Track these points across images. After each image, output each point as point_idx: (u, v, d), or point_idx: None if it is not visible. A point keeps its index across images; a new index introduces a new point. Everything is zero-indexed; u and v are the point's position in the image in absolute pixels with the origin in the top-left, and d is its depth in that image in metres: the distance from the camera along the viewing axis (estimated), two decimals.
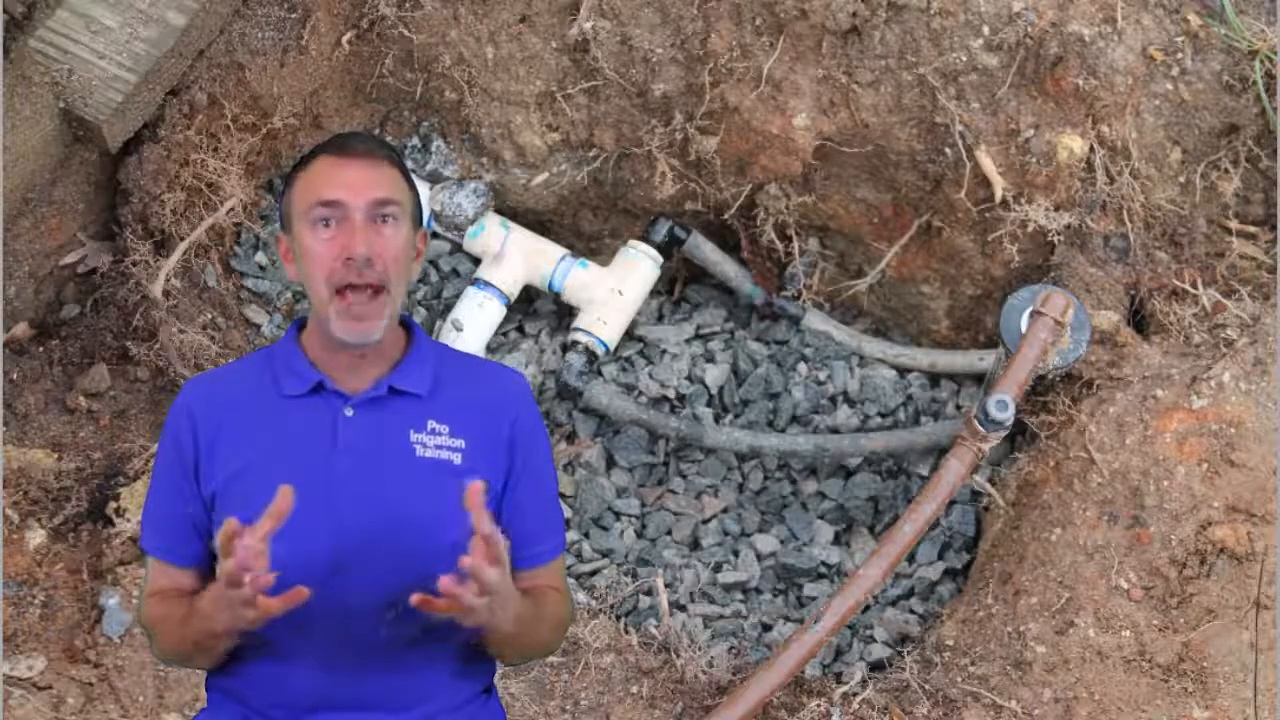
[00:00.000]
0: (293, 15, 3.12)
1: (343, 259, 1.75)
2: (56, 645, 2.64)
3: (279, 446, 1.79)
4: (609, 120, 3.25)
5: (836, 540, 3.26)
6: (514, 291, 3.36)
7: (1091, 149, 3.07)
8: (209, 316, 3.05)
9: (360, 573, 1.77)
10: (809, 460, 3.30)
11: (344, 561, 1.76)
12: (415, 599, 1.62)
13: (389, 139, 3.35)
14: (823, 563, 3.19)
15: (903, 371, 3.45)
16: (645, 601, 3.09)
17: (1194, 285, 3.09)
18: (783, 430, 3.34)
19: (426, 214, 3.33)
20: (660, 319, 3.55)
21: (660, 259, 3.40)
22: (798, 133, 3.16)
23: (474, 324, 3.29)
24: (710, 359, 3.44)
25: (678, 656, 2.81)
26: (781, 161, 3.22)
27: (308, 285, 1.80)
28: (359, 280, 1.75)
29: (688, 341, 3.46)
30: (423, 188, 3.33)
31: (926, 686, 2.74)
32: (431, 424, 1.82)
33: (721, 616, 3.10)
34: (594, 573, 3.15)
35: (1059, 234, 3.09)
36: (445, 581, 1.60)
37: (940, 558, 3.19)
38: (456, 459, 1.81)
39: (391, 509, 1.77)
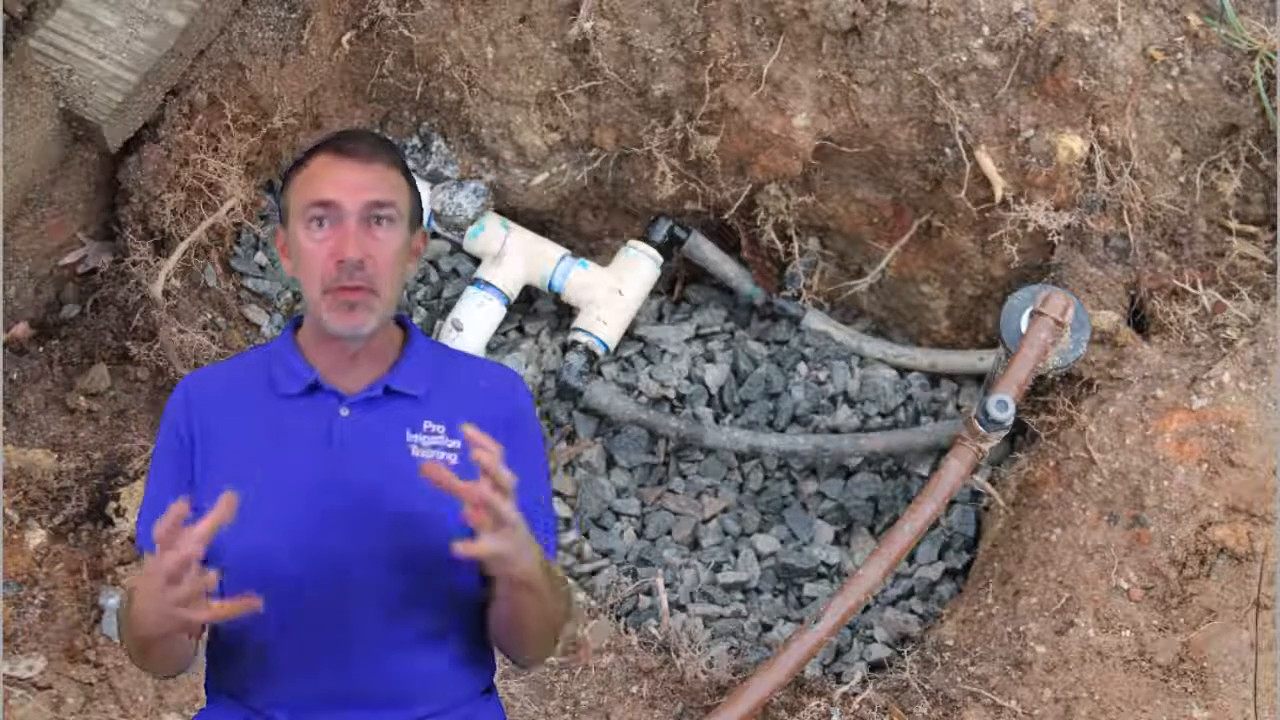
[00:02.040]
0: (293, 15, 3.12)
1: (335, 260, 1.75)
2: (56, 645, 2.64)
3: (274, 446, 1.79)
4: (609, 120, 3.25)
5: (836, 540, 3.26)
6: (514, 291, 3.36)
7: (1091, 149, 3.07)
8: (209, 316, 3.05)
9: (357, 573, 1.77)
10: (809, 460, 3.30)
11: (340, 561, 1.77)
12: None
13: (389, 139, 3.34)
14: (823, 563, 3.19)
15: (903, 371, 3.45)
16: (645, 601, 3.09)
17: (1194, 285, 3.09)
18: (783, 430, 3.34)
19: (426, 213, 3.33)
20: (660, 319, 3.55)
21: (660, 259, 3.40)
22: (797, 133, 3.16)
23: (474, 324, 3.29)
24: (710, 359, 3.44)
25: (678, 656, 2.81)
26: (781, 161, 3.22)
27: (301, 283, 1.81)
28: (350, 283, 1.75)
29: (688, 341, 3.46)
30: (423, 188, 3.33)
31: (926, 686, 2.74)
32: (428, 424, 1.82)
33: (721, 616, 3.10)
34: (594, 573, 3.16)
35: (1059, 234, 3.09)
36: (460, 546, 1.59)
37: (940, 558, 3.19)
38: (453, 459, 1.81)
39: (387, 509, 1.78)
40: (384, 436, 1.81)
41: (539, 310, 3.52)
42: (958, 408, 3.40)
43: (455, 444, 1.82)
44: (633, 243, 3.41)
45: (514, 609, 1.76)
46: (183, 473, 1.82)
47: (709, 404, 3.38)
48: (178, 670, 1.83)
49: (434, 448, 1.81)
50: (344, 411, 1.81)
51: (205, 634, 1.85)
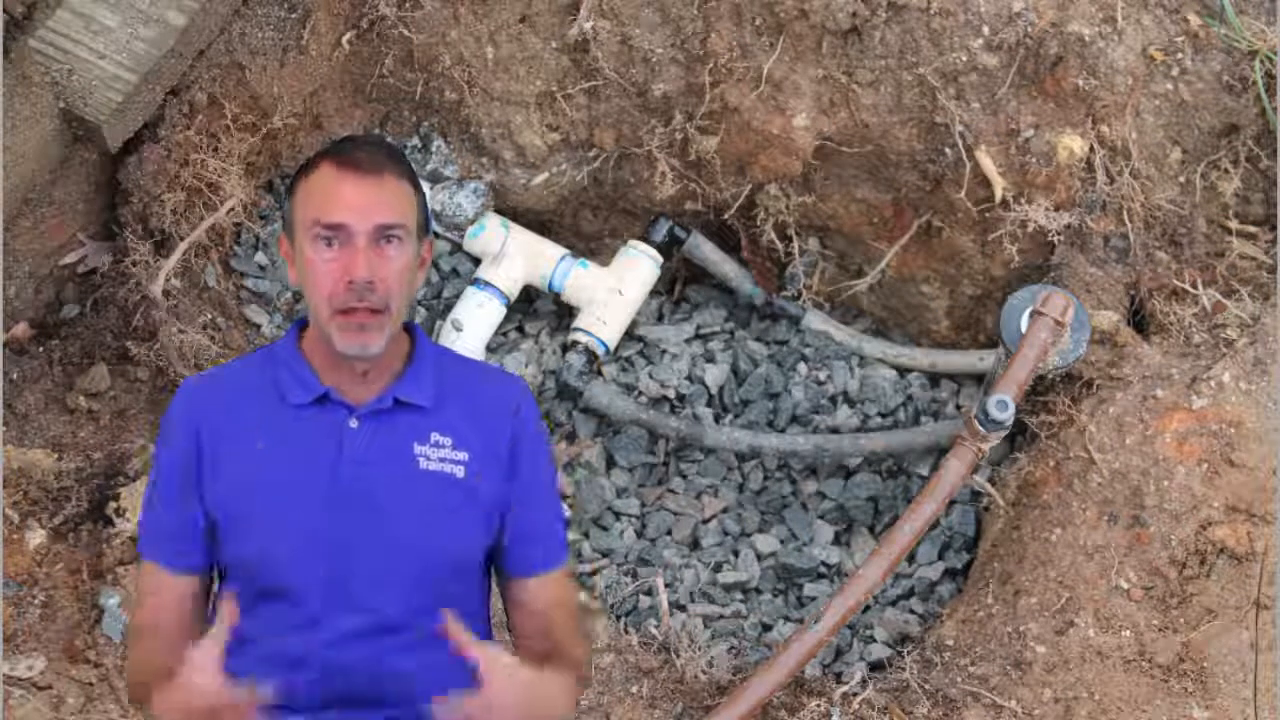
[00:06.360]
0: (293, 15, 3.12)
1: (344, 281, 1.73)
2: (56, 645, 2.64)
3: (283, 457, 1.79)
4: (609, 120, 3.25)
5: (836, 540, 3.26)
6: (514, 291, 3.36)
7: (1091, 149, 3.07)
8: (209, 316, 3.05)
9: (361, 582, 1.77)
10: (809, 460, 3.30)
11: (345, 571, 1.77)
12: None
13: (389, 139, 3.34)
14: (823, 563, 3.19)
15: (903, 371, 3.45)
16: (645, 601, 3.09)
17: (1194, 285, 3.09)
18: (783, 430, 3.34)
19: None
20: (660, 319, 3.55)
21: (660, 259, 3.40)
22: (797, 133, 3.16)
23: (474, 324, 3.29)
24: (710, 359, 3.44)
25: (678, 656, 2.81)
26: (781, 161, 3.22)
27: (309, 299, 1.79)
28: (360, 304, 1.73)
29: (688, 341, 3.46)
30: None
31: (926, 686, 2.74)
32: (435, 436, 1.82)
33: (721, 616, 3.10)
34: (594, 573, 3.16)
35: (1059, 234, 3.09)
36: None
37: (940, 558, 3.19)
38: (459, 472, 1.81)
39: (394, 521, 1.78)
40: (392, 449, 1.80)
41: (539, 310, 3.52)
42: (958, 408, 3.40)
43: (462, 455, 1.82)
44: (633, 243, 3.41)
45: None
46: (184, 488, 1.81)
47: (709, 404, 3.38)
48: None
49: (441, 460, 1.81)
50: (353, 423, 1.81)
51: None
